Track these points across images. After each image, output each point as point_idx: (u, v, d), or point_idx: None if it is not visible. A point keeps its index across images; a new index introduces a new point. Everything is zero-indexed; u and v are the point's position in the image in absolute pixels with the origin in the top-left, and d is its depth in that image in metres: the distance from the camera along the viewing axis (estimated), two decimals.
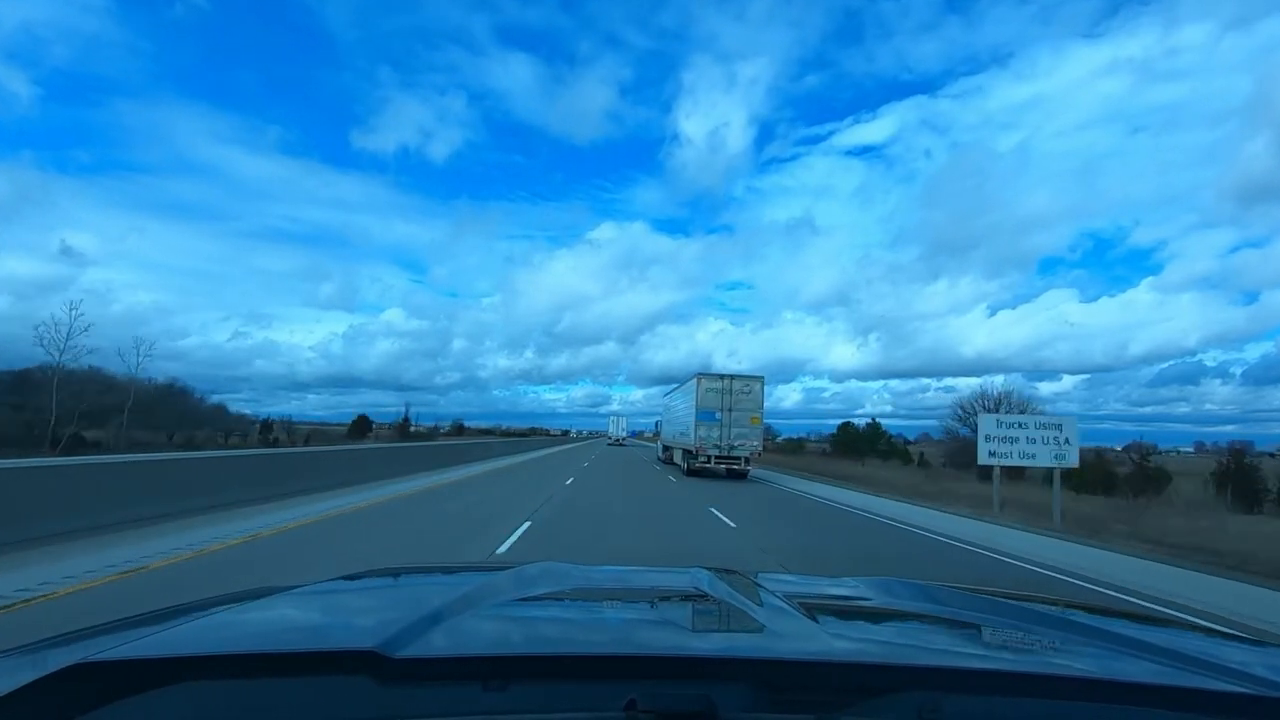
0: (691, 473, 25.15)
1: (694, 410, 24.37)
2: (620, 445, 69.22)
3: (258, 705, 0.81)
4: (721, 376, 24.56)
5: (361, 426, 75.44)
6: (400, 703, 0.80)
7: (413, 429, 76.64)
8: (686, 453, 25.91)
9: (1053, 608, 1.48)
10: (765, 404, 24.59)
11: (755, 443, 24.25)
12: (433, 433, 79.46)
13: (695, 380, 24.63)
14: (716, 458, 24.08)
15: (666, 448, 35.43)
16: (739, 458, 24.23)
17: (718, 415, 24.24)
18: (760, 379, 24.67)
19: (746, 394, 24.42)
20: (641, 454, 49.12)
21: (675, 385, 32.35)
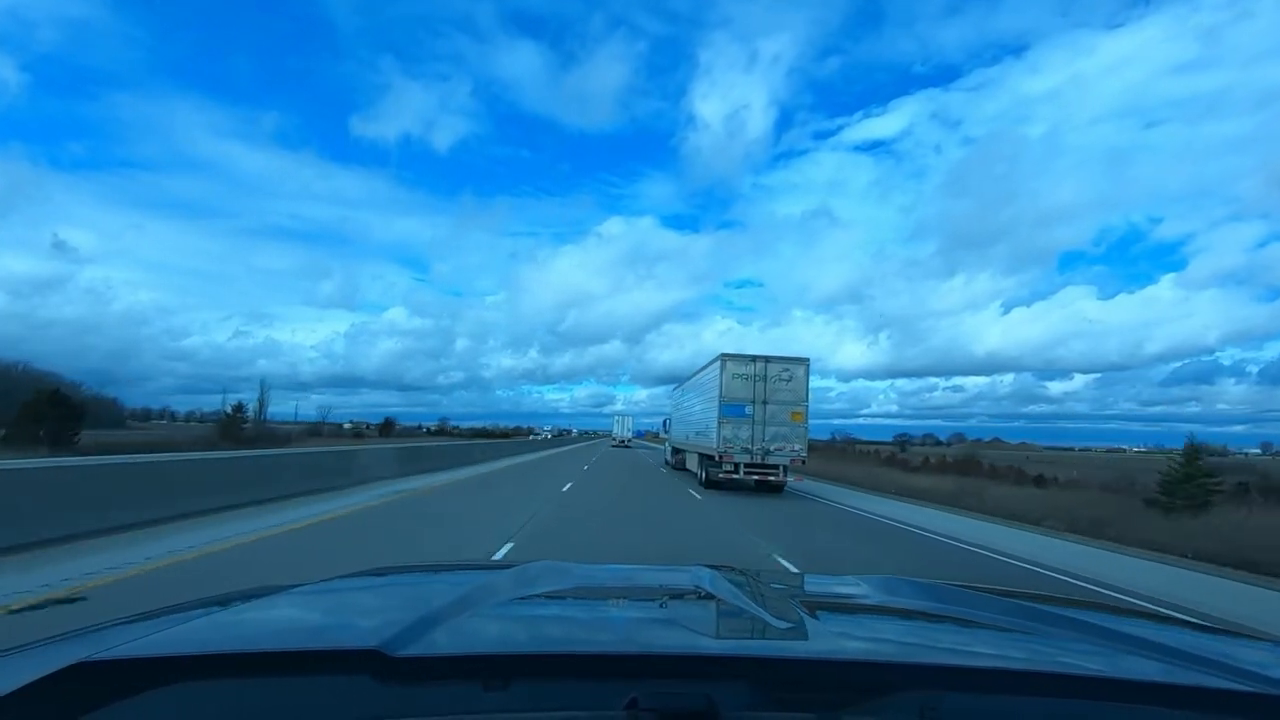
0: (710, 485, 19.30)
1: (716, 403, 18.45)
2: (625, 446, 64.55)
3: (259, 704, 0.80)
4: (753, 358, 18.64)
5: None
6: (402, 701, 0.79)
7: (248, 426, 42.09)
8: (704, 458, 19.98)
9: (1055, 606, 1.44)
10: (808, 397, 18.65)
11: (797, 445, 18.33)
12: (261, 432, 43.69)
13: (718, 362, 18.70)
14: (746, 466, 18.18)
15: (676, 451, 29.45)
16: (775, 466, 18.33)
17: (748, 409, 18.32)
18: (804, 361, 18.73)
19: (786, 381, 18.49)
20: (649, 458, 43.11)
21: (688, 376, 26.37)
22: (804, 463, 18.49)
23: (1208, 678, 0.90)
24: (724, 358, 18.58)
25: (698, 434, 21.95)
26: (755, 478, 18.32)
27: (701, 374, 21.60)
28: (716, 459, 18.29)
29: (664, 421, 35.33)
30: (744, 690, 0.82)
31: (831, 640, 1.13)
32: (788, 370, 18.55)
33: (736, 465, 18.29)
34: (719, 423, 18.26)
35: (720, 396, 18.34)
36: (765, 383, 18.44)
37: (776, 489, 19.15)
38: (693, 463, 24.08)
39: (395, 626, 0.92)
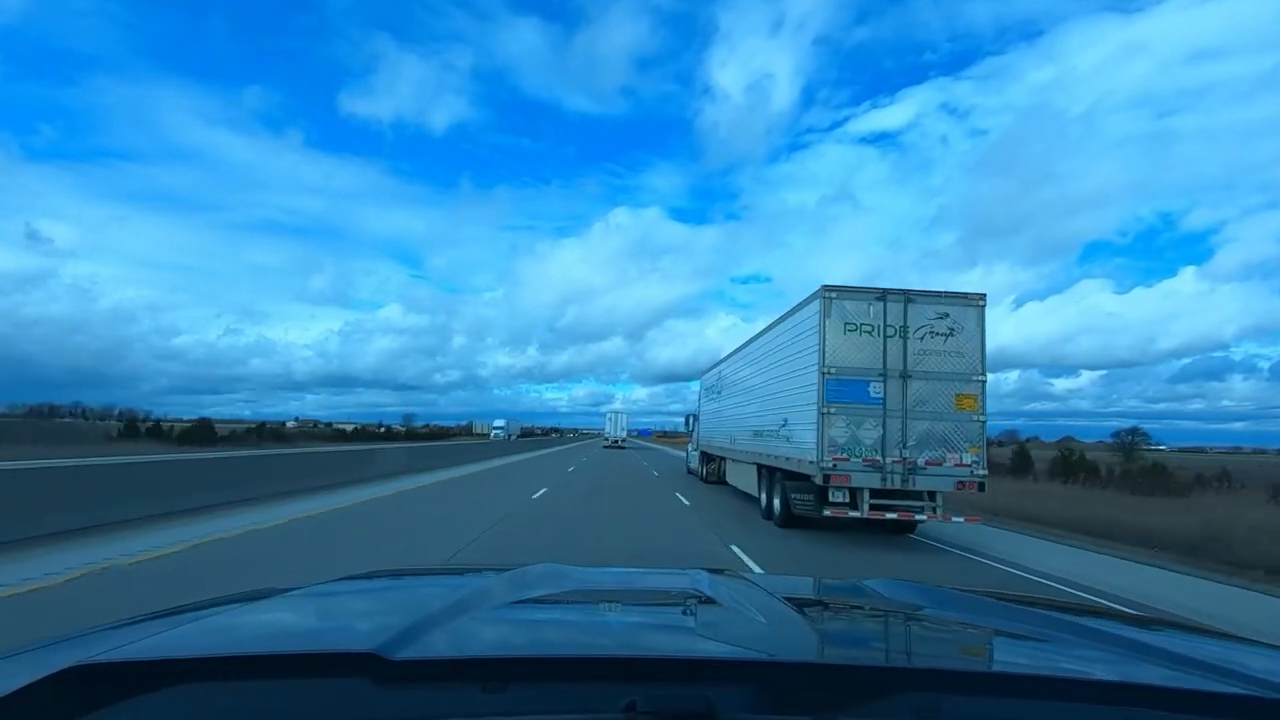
0: (790, 521, 10.97)
1: (815, 376, 9.91)
2: (619, 448, 56.79)
3: (257, 707, 0.79)
4: (883, 295, 10.05)
5: None
6: (400, 704, 0.79)
7: None
8: (782, 477, 11.43)
9: (1055, 610, 1.42)
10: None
11: (969, 457, 9.76)
12: None
13: (816, 303, 10.11)
14: (875, 495, 9.69)
15: (710, 457, 20.93)
16: (927, 495, 9.87)
17: (875, 390, 9.78)
18: (976, 301, 10.09)
19: (945, 336, 9.95)
20: (651, 464, 34.45)
21: (739, 346, 17.85)
22: (982, 488, 9.91)
23: (1208, 682, 0.89)
24: (828, 293, 10.00)
25: (758, 434, 13.40)
26: (893, 515, 9.80)
27: (778, 330, 12.68)
28: (818, 480, 9.76)
29: (687, 418, 26.80)
30: (742, 693, 0.82)
31: (829, 643, 1.14)
32: (946, 316, 9.99)
33: (853, 494, 9.79)
34: (821, 414, 9.72)
35: (822, 365, 9.81)
36: (905, 340, 9.89)
37: (903, 529, 10.89)
38: (744, 479, 15.54)
39: (393, 629, 0.92)
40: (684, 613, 1.31)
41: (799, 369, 10.74)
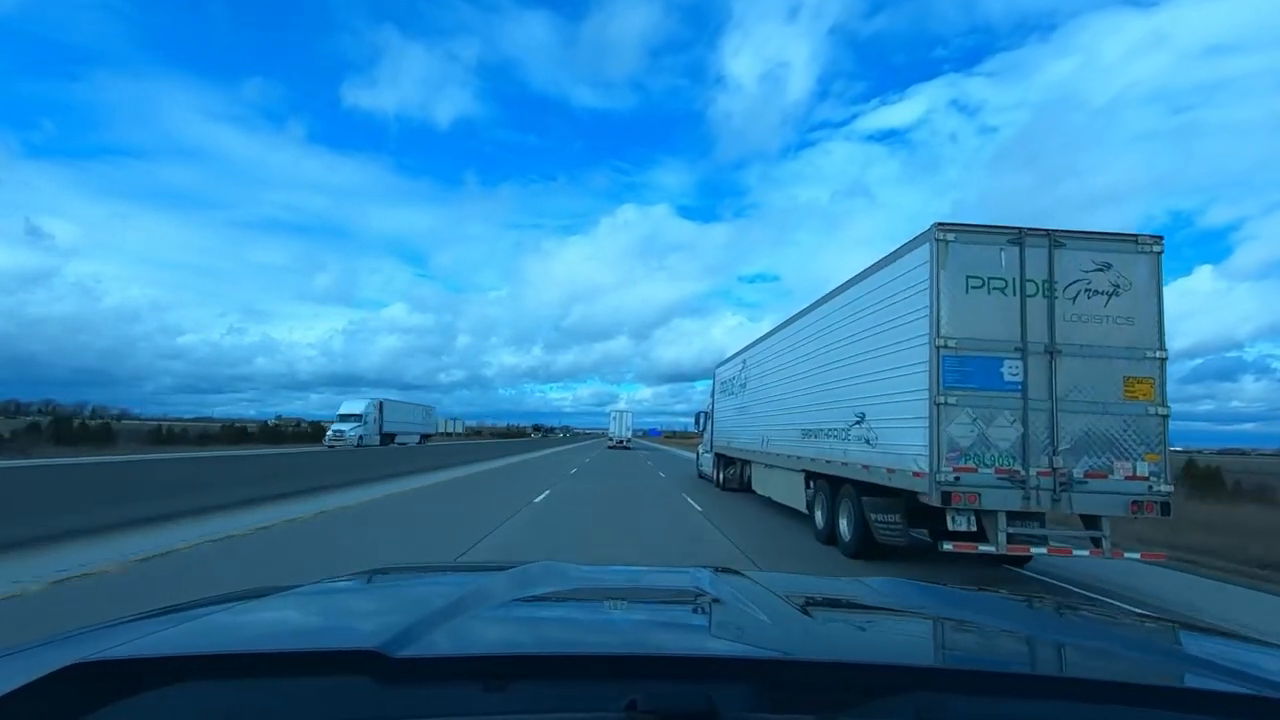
0: (867, 551, 8.11)
1: (926, 353, 6.98)
2: (624, 448, 56.56)
3: (259, 705, 0.79)
4: (1020, 236, 7.10)
5: None
6: (402, 703, 0.78)
7: None
8: (865, 492, 8.52)
9: (1054, 609, 1.44)
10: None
11: (1145, 466, 6.86)
12: None
13: (926, 248, 7.16)
14: (1013, 520, 6.77)
15: (730, 461, 17.98)
16: (1088, 520, 6.98)
17: (1012, 372, 6.85)
18: (1150, 247, 7.19)
19: (1107, 295, 7.02)
20: (650, 460, 31.48)
21: (787, 317, 14.93)
22: (1166, 511, 6.99)
23: (1210, 681, 0.89)
24: (942, 233, 7.01)
25: (811, 434, 10.43)
26: (1042, 550, 6.89)
27: (852, 293, 9.44)
28: (932, 500, 6.82)
29: (698, 416, 23.84)
30: (744, 692, 0.82)
31: (831, 642, 1.14)
32: (1108, 267, 7.05)
33: (980, 518, 6.88)
34: (935, 406, 6.79)
35: (935, 336, 6.88)
36: (1052, 300, 6.97)
37: (1015, 561, 8.13)
38: (782, 489, 12.60)
39: (395, 628, 0.91)
40: (686, 610, 1.33)
41: (893, 343, 7.78)
